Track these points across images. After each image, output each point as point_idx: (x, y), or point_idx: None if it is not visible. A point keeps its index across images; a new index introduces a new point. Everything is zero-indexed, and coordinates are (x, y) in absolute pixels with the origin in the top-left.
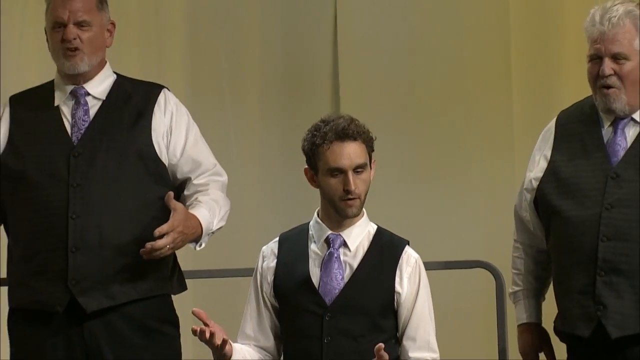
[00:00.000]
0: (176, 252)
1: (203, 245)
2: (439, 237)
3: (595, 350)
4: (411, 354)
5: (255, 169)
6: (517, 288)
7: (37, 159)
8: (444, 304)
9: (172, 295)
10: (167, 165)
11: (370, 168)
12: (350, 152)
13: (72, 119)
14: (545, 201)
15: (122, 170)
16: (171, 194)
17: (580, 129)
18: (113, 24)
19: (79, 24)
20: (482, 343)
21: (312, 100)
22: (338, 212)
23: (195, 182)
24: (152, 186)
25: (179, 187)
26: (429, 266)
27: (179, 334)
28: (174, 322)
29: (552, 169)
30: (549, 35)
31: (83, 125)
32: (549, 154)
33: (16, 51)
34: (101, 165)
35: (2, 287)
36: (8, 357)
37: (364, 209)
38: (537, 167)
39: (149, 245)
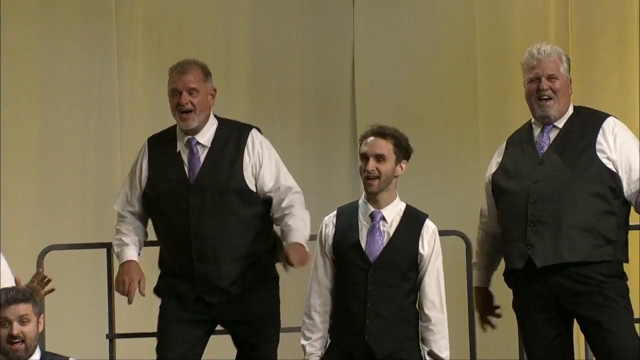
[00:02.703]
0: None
1: None
2: (427, 212)
3: (528, 279)
4: (426, 311)
5: (296, 170)
6: (475, 261)
7: (166, 195)
8: None
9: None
10: (257, 191)
11: (396, 164)
12: (373, 144)
13: (188, 164)
14: (496, 186)
15: (225, 203)
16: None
17: (520, 138)
18: (215, 90)
19: (190, 92)
20: (455, 294)
21: (335, 117)
22: (365, 189)
23: (282, 205)
24: (248, 209)
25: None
26: None
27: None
28: (275, 278)
29: (500, 166)
30: (508, 65)
31: (196, 168)
32: (499, 159)
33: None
34: (209, 200)
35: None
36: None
37: (396, 192)
38: (492, 169)
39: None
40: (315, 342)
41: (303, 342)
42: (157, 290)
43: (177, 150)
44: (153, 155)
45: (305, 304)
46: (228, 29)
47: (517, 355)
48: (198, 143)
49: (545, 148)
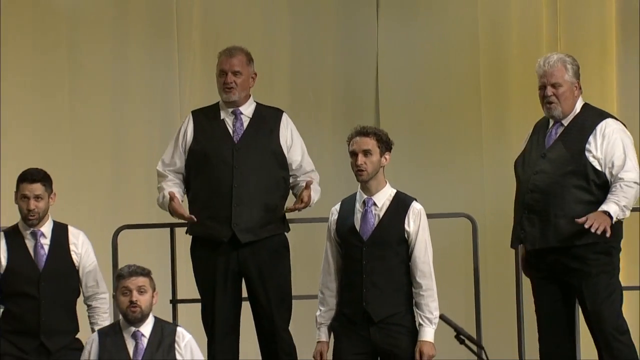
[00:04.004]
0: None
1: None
2: (440, 198)
3: (535, 257)
4: (417, 279)
5: (328, 159)
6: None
7: (214, 149)
8: (440, 242)
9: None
10: (287, 160)
11: (381, 156)
12: (359, 142)
13: (233, 127)
14: (515, 171)
15: (263, 160)
16: (309, 185)
17: (540, 127)
18: (255, 74)
19: (234, 73)
20: (463, 271)
21: (361, 117)
22: (357, 180)
23: (302, 178)
24: (280, 170)
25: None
26: (431, 216)
27: (289, 254)
28: (287, 248)
29: (522, 153)
30: (504, 72)
31: (240, 131)
32: (524, 145)
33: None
34: (251, 156)
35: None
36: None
37: (386, 180)
38: (519, 153)
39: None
40: (324, 314)
41: (316, 313)
42: (194, 246)
43: (222, 118)
44: (197, 121)
45: (319, 281)
46: (272, 44)
47: (516, 325)
48: (242, 113)
49: (551, 143)
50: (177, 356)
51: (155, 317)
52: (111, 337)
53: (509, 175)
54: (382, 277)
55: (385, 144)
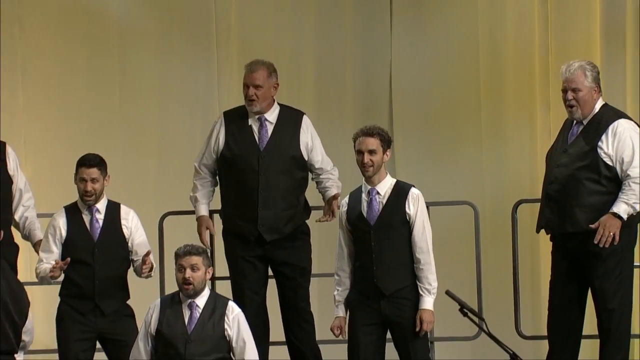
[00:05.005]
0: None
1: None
2: (445, 188)
3: (556, 241)
4: (417, 255)
5: (343, 158)
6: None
7: (241, 155)
8: (446, 226)
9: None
10: (307, 160)
11: (383, 153)
12: (365, 142)
13: (258, 134)
14: (545, 162)
15: (285, 165)
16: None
17: (566, 124)
18: (277, 84)
19: (256, 87)
20: (466, 253)
21: (377, 117)
22: (363, 175)
23: (324, 176)
24: (300, 172)
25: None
26: (438, 204)
27: (309, 237)
28: (307, 233)
29: (551, 146)
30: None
31: (265, 139)
32: (555, 140)
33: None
34: (274, 162)
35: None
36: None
37: (386, 171)
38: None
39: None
40: (341, 292)
41: (334, 292)
42: (225, 233)
43: (249, 124)
44: (228, 126)
45: (335, 266)
46: (299, 54)
47: (512, 300)
48: (266, 119)
49: (572, 139)
50: (226, 327)
51: (211, 291)
52: (170, 306)
53: (506, 167)
54: (389, 255)
55: (387, 143)
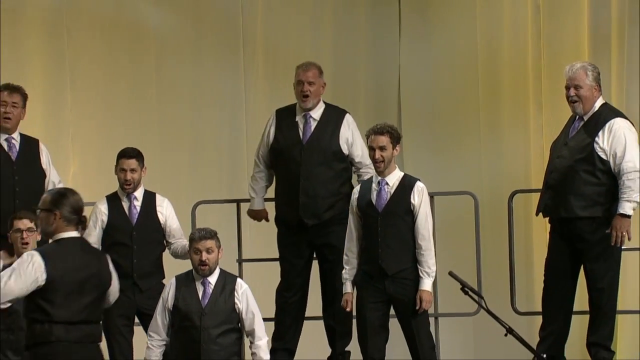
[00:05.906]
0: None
1: None
2: (448, 179)
3: (554, 224)
4: (419, 241)
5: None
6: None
7: (287, 148)
8: (448, 214)
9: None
10: (348, 155)
11: (393, 149)
12: (377, 139)
13: (303, 129)
14: (550, 152)
15: (325, 158)
16: None
17: (569, 121)
18: (325, 83)
19: (309, 83)
20: (467, 240)
21: (387, 118)
22: (374, 168)
23: (363, 170)
24: (339, 164)
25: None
26: (442, 194)
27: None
28: (346, 217)
29: (555, 139)
30: (499, 77)
31: (308, 134)
32: (560, 132)
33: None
34: (315, 155)
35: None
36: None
37: (395, 165)
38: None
39: None
40: (349, 271)
41: (342, 271)
42: (276, 219)
43: (296, 120)
44: (278, 122)
45: (344, 247)
46: (317, 59)
47: (508, 280)
48: (311, 117)
49: (573, 134)
50: (236, 301)
51: (221, 269)
52: (185, 283)
53: (502, 160)
54: (393, 240)
55: (397, 139)
